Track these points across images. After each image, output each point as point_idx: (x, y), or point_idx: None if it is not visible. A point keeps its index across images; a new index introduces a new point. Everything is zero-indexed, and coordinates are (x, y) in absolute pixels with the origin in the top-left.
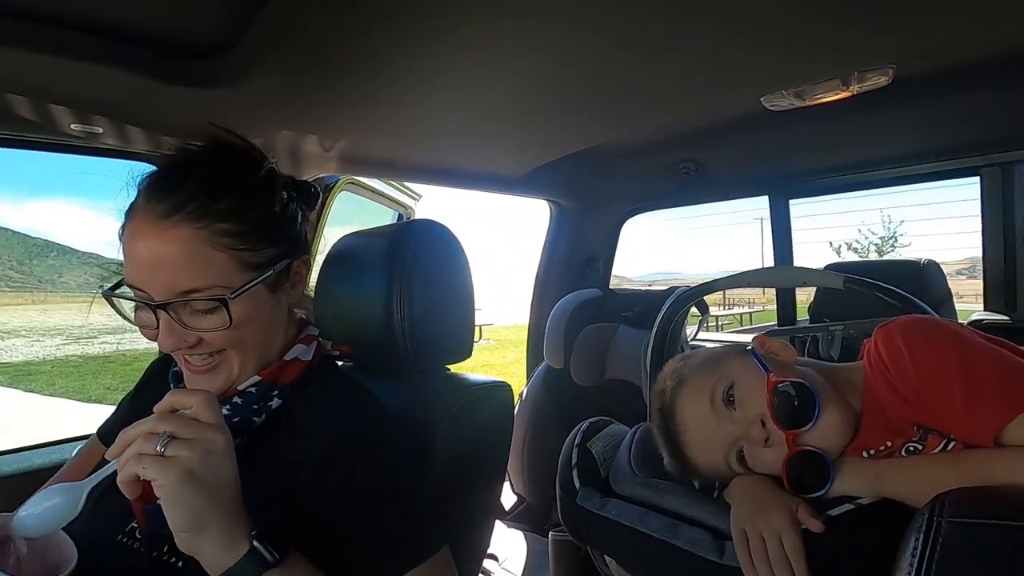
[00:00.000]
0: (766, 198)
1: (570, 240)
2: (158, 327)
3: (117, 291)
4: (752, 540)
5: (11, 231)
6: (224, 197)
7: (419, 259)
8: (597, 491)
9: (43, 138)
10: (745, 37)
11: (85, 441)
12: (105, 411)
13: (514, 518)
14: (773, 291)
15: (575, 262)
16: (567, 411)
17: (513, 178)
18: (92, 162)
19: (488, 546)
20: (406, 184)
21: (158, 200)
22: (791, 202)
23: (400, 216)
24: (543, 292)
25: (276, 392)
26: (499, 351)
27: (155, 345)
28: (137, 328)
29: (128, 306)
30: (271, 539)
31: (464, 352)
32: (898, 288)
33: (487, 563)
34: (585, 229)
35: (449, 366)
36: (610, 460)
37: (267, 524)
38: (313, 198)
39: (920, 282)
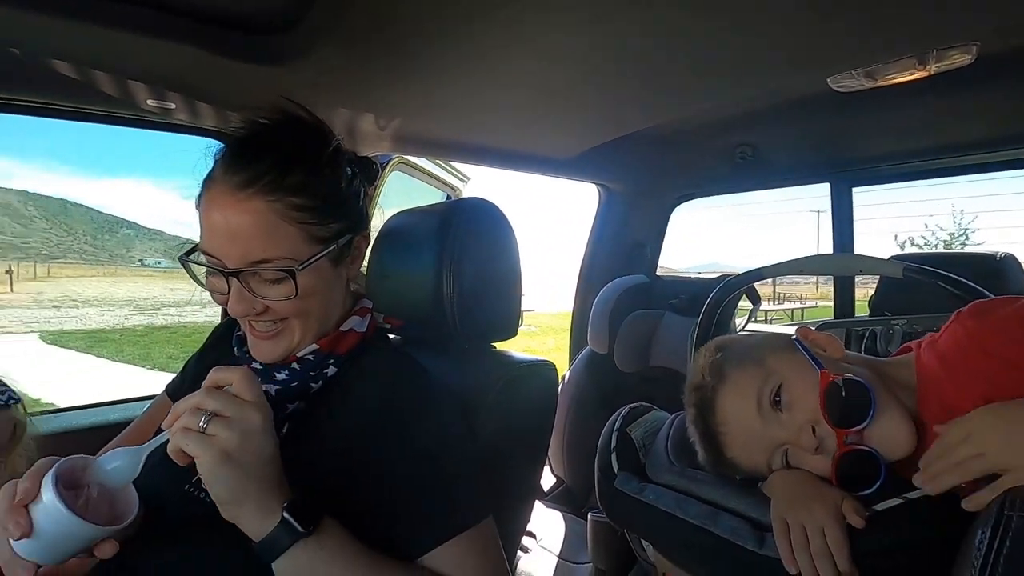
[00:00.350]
0: (826, 186)
1: (618, 225)
2: (229, 293)
3: (191, 257)
4: (794, 532)
5: (86, 207)
6: (295, 171)
7: (469, 237)
8: (635, 476)
9: (122, 113)
10: (815, 13)
11: (153, 399)
12: (166, 378)
13: (553, 499)
14: (827, 287)
15: (622, 248)
16: (609, 396)
17: (563, 160)
18: (159, 144)
19: (527, 524)
20: (455, 166)
21: (234, 172)
22: (855, 190)
23: (448, 198)
24: (588, 277)
25: (332, 361)
26: (540, 337)
27: (212, 319)
28: (197, 302)
29: (200, 271)
30: (305, 511)
31: (510, 330)
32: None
33: (525, 540)
34: (634, 214)
35: (494, 344)
36: (649, 446)
37: (319, 486)
38: (374, 175)
39: (996, 277)
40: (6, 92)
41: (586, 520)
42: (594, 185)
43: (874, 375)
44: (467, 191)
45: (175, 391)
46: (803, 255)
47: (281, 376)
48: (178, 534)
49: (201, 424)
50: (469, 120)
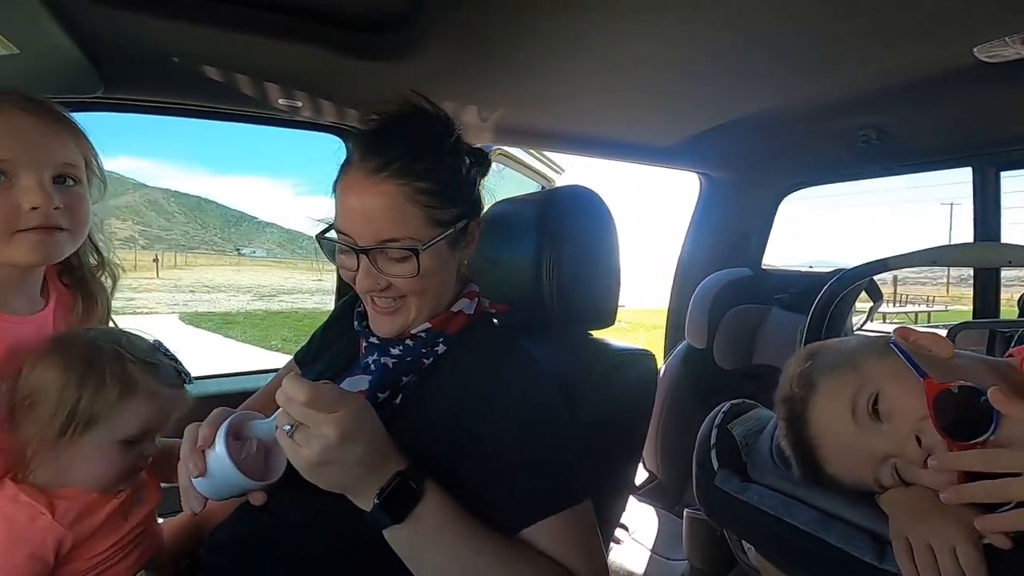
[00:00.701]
0: (967, 171)
1: (720, 215)
2: (357, 269)
3: (326, 236)
4: (918, 552)
5: (215, 203)
6: (424, 158)
7: (569, 224)
8: (736, 474)
9: (258, 112)
10: None
11: (285, 364)
12: (282, 359)
13: (644, 494)
14: (961, 288)
15: (724, 239)
16: (705, 393)
17: (664, 148)
18: (274, 144)
19: (621, 516)
20: (549, 157)
21: (370, 158)
22: (1003, 175)
23: (543, 188)
24: (687, 269)
25: (442, 339)
26: (632, 333)
27: (320, 306)
28: (307, 291)
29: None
30: (400, 498)
31: (608, 318)
32: None
33: (617, 532)
34: (739, 204)
35: (591, 332)
36: (751, 445)
37: (428, 453)
38: (488, 165)
39: None
40: (165, 96)
41: (680, 517)
42: (695, 174)
43: (997, 377)
44: (561, 183)
45: (303, 359)
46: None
47: (395, 351)
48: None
49: (287, 429)
50: (570, 109)
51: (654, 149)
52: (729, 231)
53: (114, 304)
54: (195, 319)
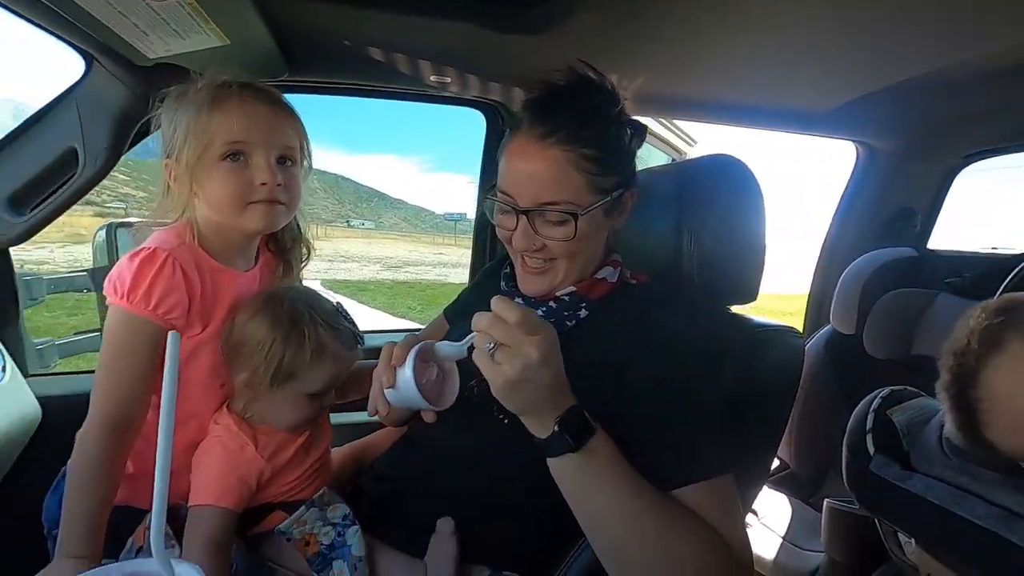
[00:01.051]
0: None
1: (879, 189)
2: (515, 229)
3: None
4: None
5: (350, 180)
6: (589, 126)
7: (713, 194)
8: (895, 462)
9: (411, 89)
10: None
11: (434, 318)
12: (408, 326)
13: (775, 482)
14: None
15: (882, 215)
16: (851, 382)
17: (818, 114)
18: (400, 121)
19: (756, 498)
20: (681, 128)
21: (538, 124)
22: None
23: (674, 161)
24: (835, 247)
25: (584, 304)
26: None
27: (441, 278)
28: (430, 264)
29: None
30: (577, 428)
31: (750, 293)
32: None
33: (747, 516)
34: (902, 176)
35: (731, 307)
36: (916, 433)
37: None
38: (643, 136)
39: None
40: (335, 77)
41: (815, 508)
42: (851, 143)
43: None
44: (693, 154)
45: (451, 316)
46: None
47: (538, 312)
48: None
49: (488, 348)
50: (714, 75)
51: (806, 116)
52: (887, 207)
53: None
54: (334, 286)
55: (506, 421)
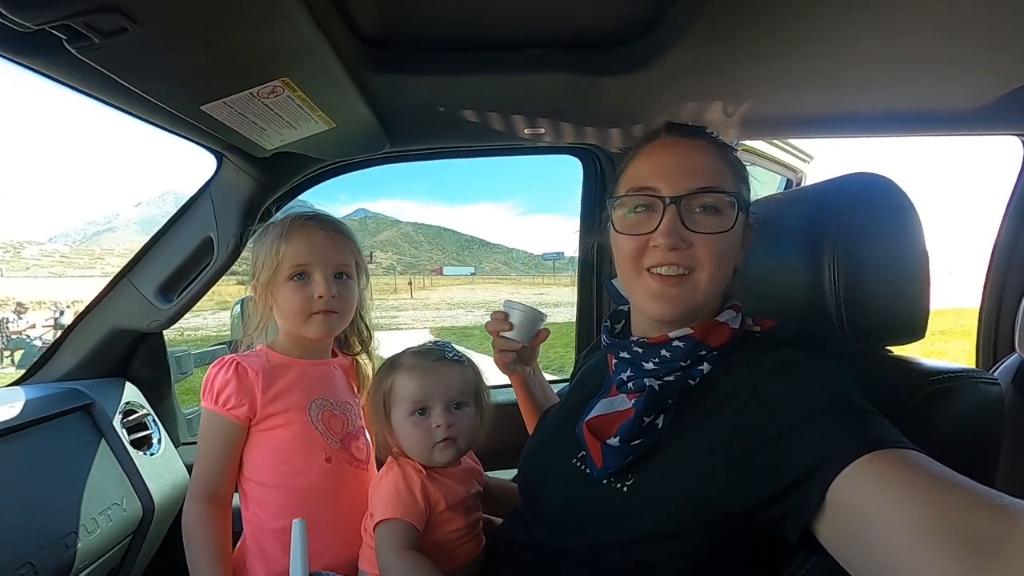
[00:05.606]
0: None
1: None
2: (655, 229)
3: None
4: None
5: (451, 231)
6: (725, 144)
7: (859, 219)
8: None
9: (506, 145)
10: None
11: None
12: None
13: None
14: None
15: None
16: None
17: (968, 112)
18: (494, 172)
19: None
20: (795, 145)
21: (680, 130)
22: None
23: (788, 182)
24: (1007, 262)
25: (704, 354)
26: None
27: (547, 317)
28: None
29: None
30: None
31: (916, 332)
32: None
33: None
34: None
35: (891, 349)
36: None
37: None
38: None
39: None
40: (432, 143)
41: None
42: (1017, 138)
43: None
44: (810, 171)
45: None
46: None
47: (650, 365)
48: None
49: None
50: (837, 87)
51: (953, 115)
52: None
53: (381, 320)
54: (441, 333)
55: (625, 489)
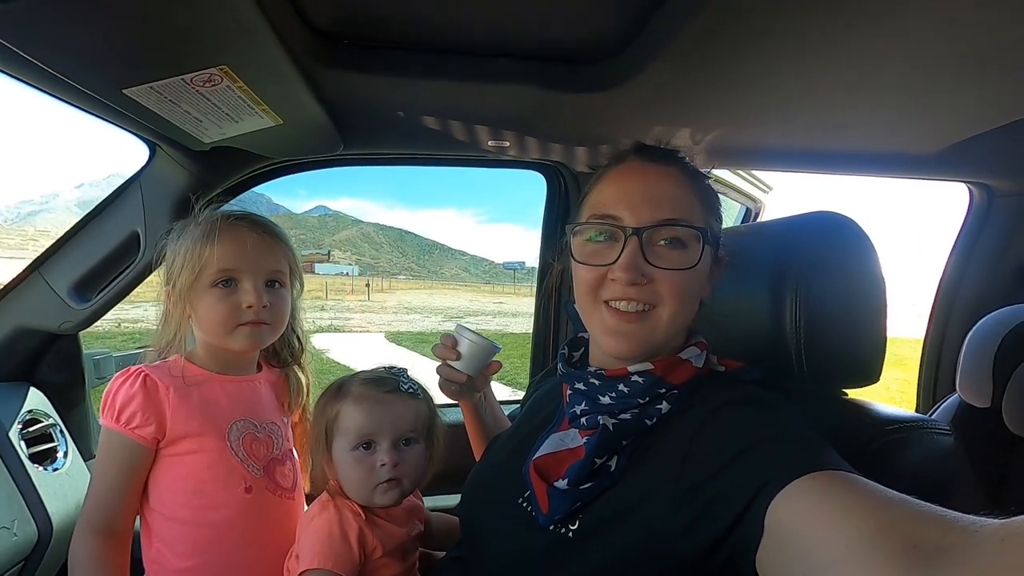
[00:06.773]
0: None
1: (1003, 236)
2: (615, 261)
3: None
4: None
5: (413, 234)
6: (697, 171)
7: (821, 257)
8: None
9: (468, 155)
10: None
11: None
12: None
13: None
14: None
15: (1008, 266)
16: (991, 468)
17: (922, 157)
18: (459, 180)
19: None
20: (756, 176)
21: (648, 154)
22: None
23: (748, 211)
24: (950, 304)
25: (664, 392)
26: None
27: (503, 327)
28: (489, 313)
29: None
30: None
31: (871, 375)
32: None
33: None
34: None
35: (846, 392)
36: None
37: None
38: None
39: None
40: (390, 148)
41: None
42: (964, 185)
43: None
44: (768, 201)
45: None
46: None
47: (606, 399)
48: None
49: None
50: (803, 124)
51: (908, 159)
52: (1014, 256)
53: (335, 322)
54: (396, 338)
55: (571, 535)
